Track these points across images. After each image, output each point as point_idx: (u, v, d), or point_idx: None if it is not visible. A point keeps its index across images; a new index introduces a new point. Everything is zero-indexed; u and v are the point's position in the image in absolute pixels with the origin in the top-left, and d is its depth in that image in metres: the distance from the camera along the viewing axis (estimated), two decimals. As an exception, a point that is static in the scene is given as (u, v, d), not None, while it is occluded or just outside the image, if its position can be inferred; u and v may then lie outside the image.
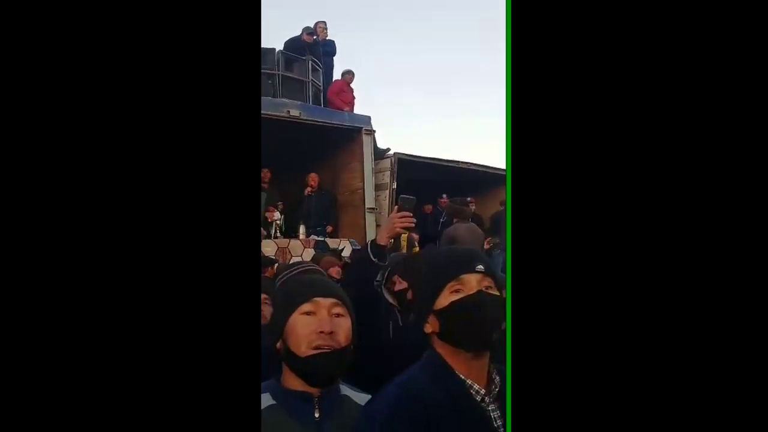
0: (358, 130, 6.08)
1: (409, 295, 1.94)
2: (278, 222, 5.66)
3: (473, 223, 4.50)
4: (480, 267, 1.02)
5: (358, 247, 5.69)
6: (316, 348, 1.03)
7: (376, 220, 6.06)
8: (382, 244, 1.67)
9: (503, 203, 6.87)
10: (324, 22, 6.87)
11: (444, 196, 6.63)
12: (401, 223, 1.67)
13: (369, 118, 6.22)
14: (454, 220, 4.57)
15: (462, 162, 6.97)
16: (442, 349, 1.02)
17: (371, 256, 1.64)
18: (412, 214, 1.69)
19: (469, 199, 6.36)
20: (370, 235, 5.95)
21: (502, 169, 7.17)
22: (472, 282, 1.00)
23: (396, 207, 1.72)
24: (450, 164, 6.85)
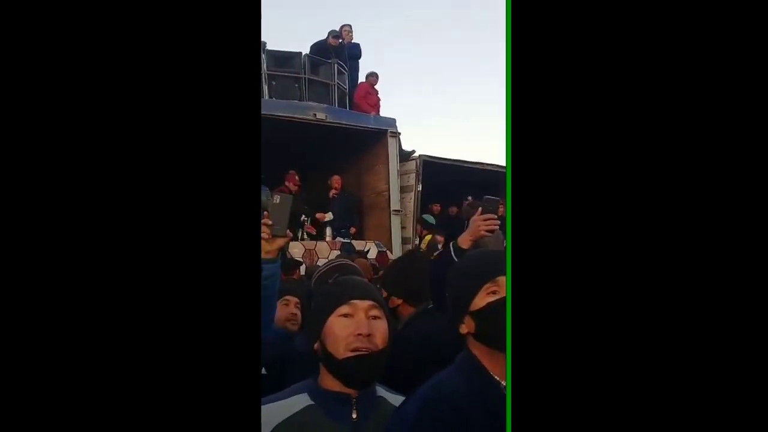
0: (384, 133, 6.10)
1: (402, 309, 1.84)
2: (308, 224, 5.72)
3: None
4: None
5: (383, 249, 5.73)
6: (353, 350, 1.04)
7: (401, 222, 6.08)
8: (464, 247, 1.64)
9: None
10: (349, 26, 6.92)
11: (469, 198, 6.60)
12: (486, 225, 1.64)
13: (394, 120, 6.24)
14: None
15: (487, 164, 6.94)
16: (477, 350, 1.03)
17: (454, 259, 1.61)
18: (496, 216, 1.67)
19: (498, 198, 6.32)
20: (396, 237, 5.98)
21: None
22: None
23: (479, 209, 1.67)
24: (475, 166, 6.82)
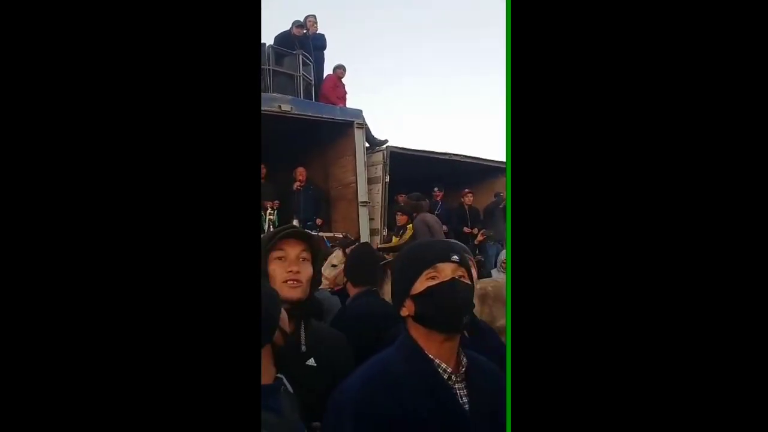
0: (350, 124, 6.06)
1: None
2: (272, 217, 5.65)
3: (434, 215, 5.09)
4: (455, 257, 1.09)
5: (353, 239, 5.70)
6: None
7: (369, 214, 6.06)
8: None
9: (497, 195, 6.88)
10: (314, 16, 6.84)
11: (436, 189, 6.63)
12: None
13: (360, 111, 6.20)
14: (414, 214, 4.99)
15: (454, 154, 6.97)
16: (415, 331, 1.10)
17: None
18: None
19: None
20: (364, 229, 5.96)
21: (495, 161, 7.19)
22: (447, 270, 1.08)
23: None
24: (442, 156, 6.85)
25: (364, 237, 5.93)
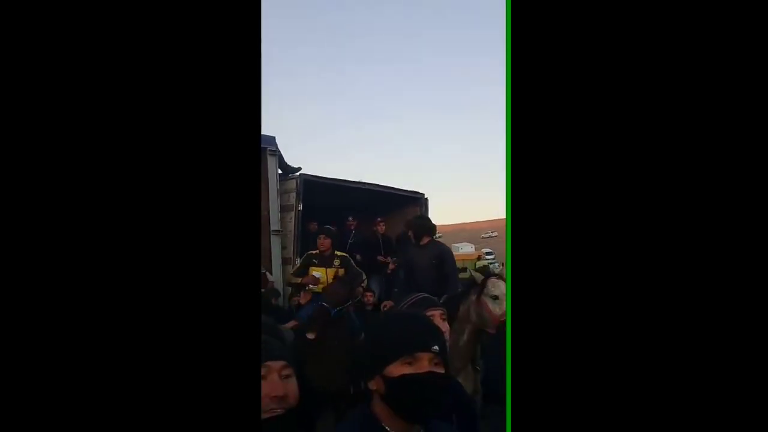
0: (262, 151, 5.95)
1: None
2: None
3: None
4: (435, 348, 1.08)
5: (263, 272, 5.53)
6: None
7: (281, 242, 5.93)
8: None
9: (407, 224, 7.01)
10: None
11: (350, 218, 6.64)
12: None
13: (273, 138, 6.11)
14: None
15: (368, 183, 7.05)
16: (380, 410, 1.09)
17: None
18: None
19: (379, 219, 6.42)
20: (275, 258, 5.81)
21: (408, 191, 7.36)
22: (424, 361, 1.07)
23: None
24: (356, 185, 6.90)
25: (276, 266, 5.78)
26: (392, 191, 7.30)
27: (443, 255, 4.11)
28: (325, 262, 4.34)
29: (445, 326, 1.50)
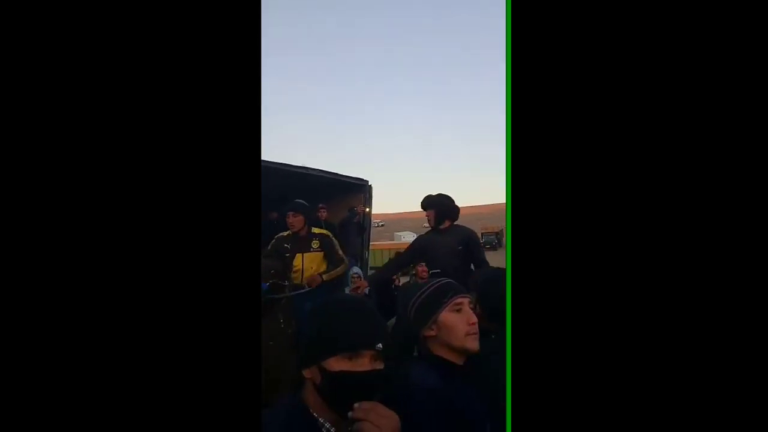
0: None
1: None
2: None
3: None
4: (379, 346, 1.06)
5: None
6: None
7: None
8: None
9: (351, 209, 6.97)
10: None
11: (321, 205, 6.52)
12: None
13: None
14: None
15: (311, 168, 6.94)
16: (312, 398, 1.08)
17: None
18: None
19: (321, 205, 6.33)
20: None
21: (351, 177, 7.31)
22: (365, 360, 1.05)
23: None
24: (299, 170, 6.78)
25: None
26: (335, 177, 7.23)
27: (470, 240, 3.73)
28: (301, 244, 3.64)
29: (474, 318, 1.38)
